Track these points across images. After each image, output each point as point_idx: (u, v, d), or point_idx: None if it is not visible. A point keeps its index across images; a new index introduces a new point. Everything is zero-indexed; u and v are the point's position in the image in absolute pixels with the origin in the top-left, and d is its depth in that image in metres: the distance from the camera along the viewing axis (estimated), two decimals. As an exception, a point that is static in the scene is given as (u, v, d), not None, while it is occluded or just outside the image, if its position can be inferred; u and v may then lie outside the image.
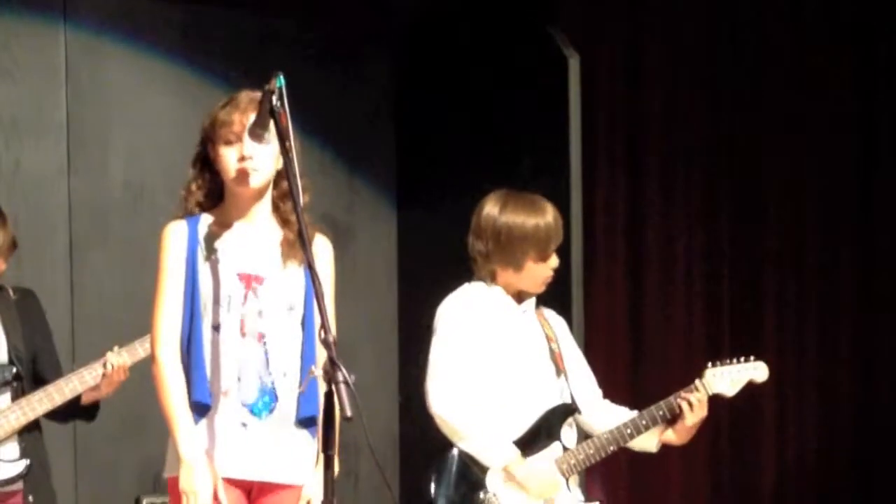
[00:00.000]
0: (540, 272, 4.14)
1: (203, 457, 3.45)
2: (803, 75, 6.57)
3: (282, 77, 3.29)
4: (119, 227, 5.55)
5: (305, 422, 3.55)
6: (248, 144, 3.47)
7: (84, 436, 5.24)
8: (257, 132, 3.41)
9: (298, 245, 3.47)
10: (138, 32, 5.65)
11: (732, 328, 6.41)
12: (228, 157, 3.52)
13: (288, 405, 3.53)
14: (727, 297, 6.44)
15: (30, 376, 4.38)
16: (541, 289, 4.20)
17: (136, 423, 5.23)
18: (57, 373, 4.43)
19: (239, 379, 3.50)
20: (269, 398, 3.52)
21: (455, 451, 4.05)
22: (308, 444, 3.57)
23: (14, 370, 4.32)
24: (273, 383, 3.52)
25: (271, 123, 3.34)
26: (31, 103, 5.47)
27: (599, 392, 4.34)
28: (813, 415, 6.59)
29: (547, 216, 4.12)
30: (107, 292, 5.51)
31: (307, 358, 3.53)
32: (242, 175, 3.50)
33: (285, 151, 3.31)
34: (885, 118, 6.66)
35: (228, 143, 3.52)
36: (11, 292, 4.44)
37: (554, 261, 4.15)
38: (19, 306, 4.43)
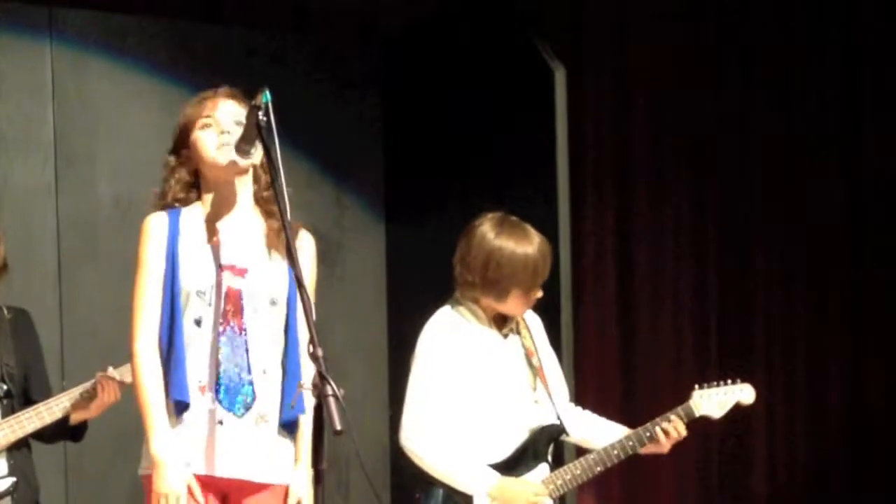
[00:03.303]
0: (522, 302, 4.09)
1: (177, 456, 3.43)
2: (793, 84, 6.58)
3: (268, 92, 3.28)
4: (108, 243, 5.53)
5: (287, 425, 3.54)
6: (225, 123, 3.47)
7: (75, 451, 5.22)
8: (244, 148, 3.42)
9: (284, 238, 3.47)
10: (124, 48, 5.65)
11: (721, 346, 6.41)
12: (207, 139, 3.51)
13: (266, 404, 3.51)
14: (716, 316, 6.43)
15: (20, 395, 4.38)
16: (521, 315, 4.15)
17: (128, 438, 5.19)
18: (46, 393, 4.42)
19: (218, 375, 3.47)
20: (247, 396, 3.49)
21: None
22: (287, 444, 3.55)
23: (5, 388, 4.32)
24: (252, 381, 3.49)
25: (257, 139, 3.35)
26: (18, 120, 5.46)
27: (567, 395, 4.32)
28: (803, 432, 6.58)
29: (536, 249, 4.04)
30: (96, 309, 5.49)
31: (290, 361, 3.52)
32: (225, 152, 3.47)
33: (272, 165, 3.29)
34: (873, 114, 6.66)
35: (205, 126, 3.52)
36: (6, 311, 4.45)
37: (538, 293, 4.10)
38: (13, 325, 4.43)
